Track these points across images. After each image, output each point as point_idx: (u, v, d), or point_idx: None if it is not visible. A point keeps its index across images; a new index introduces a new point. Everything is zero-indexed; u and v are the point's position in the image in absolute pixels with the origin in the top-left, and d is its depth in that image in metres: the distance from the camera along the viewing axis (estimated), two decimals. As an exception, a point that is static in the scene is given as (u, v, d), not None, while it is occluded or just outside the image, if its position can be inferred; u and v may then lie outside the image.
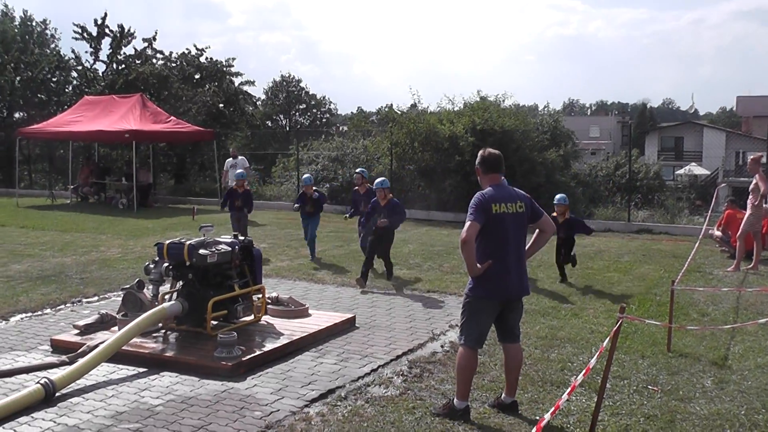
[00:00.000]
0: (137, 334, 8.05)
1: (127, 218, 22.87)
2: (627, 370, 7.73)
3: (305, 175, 16.53)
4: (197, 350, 8.14)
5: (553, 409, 5.31)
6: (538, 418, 6.25)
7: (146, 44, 38.45)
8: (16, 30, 42.63)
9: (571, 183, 24.60)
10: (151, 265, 9.33)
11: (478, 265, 6.22)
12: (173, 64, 38.58)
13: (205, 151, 33.47)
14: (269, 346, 8.37)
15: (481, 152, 6.66)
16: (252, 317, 9.27)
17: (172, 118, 28.82)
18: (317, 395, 6.99)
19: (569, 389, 5.51)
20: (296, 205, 15.47)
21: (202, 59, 38.47)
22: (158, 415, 6.48)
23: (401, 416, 6.42)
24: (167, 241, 9.05)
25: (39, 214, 24.65)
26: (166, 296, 9.05)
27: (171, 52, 39.07)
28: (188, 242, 8.78)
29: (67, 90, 41.67)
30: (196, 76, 38.49)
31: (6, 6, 43.68)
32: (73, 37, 39.03)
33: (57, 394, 6.86)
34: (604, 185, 30.62)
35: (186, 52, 38.71)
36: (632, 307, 10.71)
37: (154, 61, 38.43)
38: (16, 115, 42.56)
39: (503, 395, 6.65)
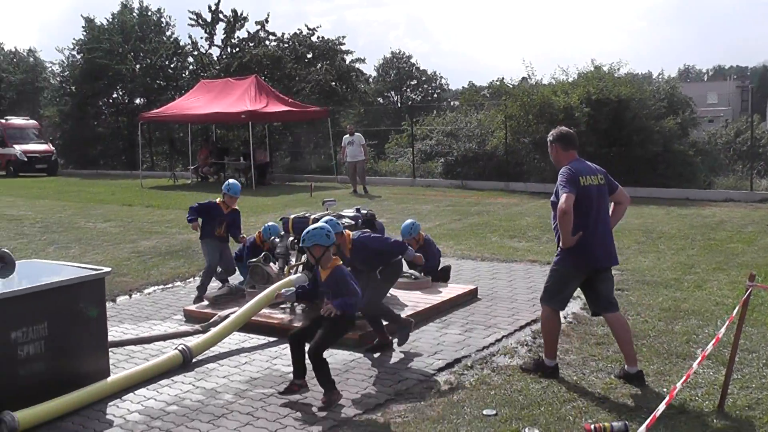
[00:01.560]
0: (266, 305, 8.28)
1: (246, 196, 23.32)
2: (755, 342, 7.46)
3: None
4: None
5: (684, 378, 5.20)
6: (665, 389, 6.14)
7: (259, 27, 39.19)
8: (134, 20, 44.10)
9: (690, 151, 23.78)
10: (277, 240, 9.58)
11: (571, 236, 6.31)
12: (285, 45, 39.14)
13: (319, 129, 33.88)
14: (394, 317, 8.47)
15: (556, 131, 6.79)
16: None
17: (287, 97, 29.33)
18: (444, 364, 7.05)
19: (698, 360, 5.38)
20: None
21: (314, 38, 38.89)
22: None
23: (528, 384, 6.41)
24: (292, 216, 9.26)
25: (162, 194, 25.54)
26: (292, 269, 9.25)
27: (283, 33, 39.72)
28: (313, 216, 8.94)
29: (184, 75, 42.94)
30: (308, 56, 38.93)
31: (125, -2, 45.20)
32: (188, 24, 40.14)
33: (193, 360, 7.15)
34: (724, 153, 29.49)
35: (297, 32, 39.23)
36: (759, 279, 10.34)
37: (267, 43, 39.10)
38: (137, 101, 44.18)
39: (626, 366, 6.55)
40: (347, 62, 39.15)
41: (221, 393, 6.34)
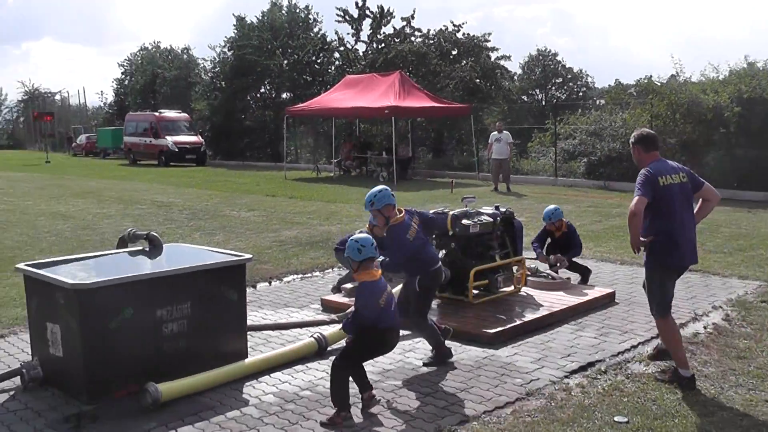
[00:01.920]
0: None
1: (387, 191, 23.57)
2: None
3: None
4: (459, 317, 8.25)
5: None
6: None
7: (405, 23, 39.45)
8: (283, 18, 45.25)
9: None
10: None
11: (642, 239, 6.35)
12: (431, 41, 39.20)
13: (462, 126, 33.79)
14: (529, 316, 8.33)
15: (637, 132, 6.85)
16: (512, 288, 9.23)
17: (430, 94, 29.39)
18: (577, 367, 6.87)
19: None
20: None
21: (459, 35, 38.72)
22: (421, 375, 6.69)
23: (662, 394, 6.15)
24: (431, 212, 9.23)
25: (305, 185, 26.10)
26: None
27: (428, 30, 39.76)
28: (451, 212, 8.89)
29: (330, 70, 43.73)
30: (453, 52, 38.82)
31: (275, -4, 46.47)
32: (335, 20, 40.88)
33: (328, 349, 7.24)
34: None
35: (443, 28, 39.16)
36: None
37: (413, 39, 39.27)
38: (284, 95, 45.33)
39: (680, 371, 6.41)
40: (492, 59, 38.78)
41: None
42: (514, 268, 9.44)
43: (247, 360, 6.74)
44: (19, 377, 6.50)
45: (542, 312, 8.45)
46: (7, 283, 10.06)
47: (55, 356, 6.30)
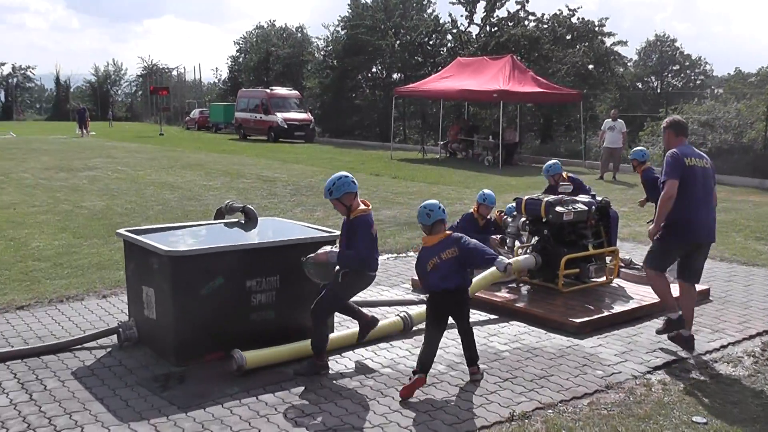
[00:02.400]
0: (492, 283, 8.31)
1: (492, 175, 23.50)
2: None
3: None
4: (546, 304, 8.20)
5: None
6: None
7: (519, 6, 38.89)
8: (398, -1, 45.33)
9: None
10: (509, 220, 9.56)
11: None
12: (544, 26, 38.56)
13: (571, 113, 33.20)
14: (617, 308, 8.19)
15: (670, 118, 7.49)
16: (603, 278, 9.09)
17: (540, 79, 28.99)
18: (661, 363, 6.72)
19: None
20: None
21: (574, 20, 37.91)
22: (504, 360, 6.69)
23: (746, 398, 5.96)
24: (525, 197, 9.18)
25: (410, 166, 26.19)
26: (520, 249, 9.17)
27: (543, 14, 39.13)
28: (546, 199, 8.82)
29: (441, 52, 43.61)
30: (567, 37, 38.07)
31: (390, -25, 46.55)
32: (449, 2, 40.63)
33: (414, 328, 7.32)
34: None
35: (558, 12, 38.43)
36: None
37: (526, 23, 38.75)
38: (394, 75, 45.47)
39: (683, 330, 7.19)
40: (607, 45, 37.81)
41: (435, 363, 6.43)
42: (608, 259, 9.30)
43: (332, 335, 6.87)
44: (116, 335, 6.86)
45: (632, 305, 8.30)
46: (113, 247, 10.55)
47: (149, 318, 6.60)
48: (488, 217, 9.69)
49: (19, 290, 8.70)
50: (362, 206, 6.48)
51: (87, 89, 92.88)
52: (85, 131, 45.40)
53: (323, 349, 6.35)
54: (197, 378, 6.06)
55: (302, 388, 5.94)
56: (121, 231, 7.00)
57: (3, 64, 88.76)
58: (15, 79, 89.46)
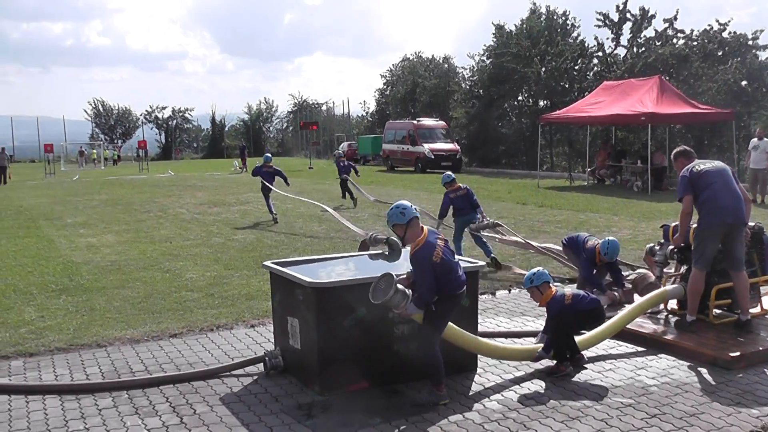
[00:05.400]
0: (639, 315, 8.07)
1: (641, 201, 22.84)
2: None
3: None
4: (697, 336, 7.84)
5: None
6: None
7: (667, 25, 37.73)
8: (542, 24, 45.07)
9: None
10: (656, 247, 9.28)
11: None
12: (694, 43, 37.17)
13: (724, 133, 31.85)
14: (777, 342, 7.74)
15: (679, 149, 8.52)
16: (758, 309, 8.57)
17: (690, 99, 28.04)
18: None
19: None
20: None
21: (725, 34, 36.27)
22: (651, 395, 6.43)
23: None
24: (673, 224, 8.89)
25: (557, 194, 25.81)
26: (670, 279, 8.86)
27: (692, 30, 37.59)
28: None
29: (588, 76, 42.91)
30: (718, 53, 36.50)
31: (534, 4, 46.44)
32: (595, 25, 39.96)
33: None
34: None
35: (708, 28, 36.86)
36: None
37: (674, 41, 37.57)
38: (540, 103, 45.10)
39: (740, 316, 7.92)
40: (760, 59, 35.89)
41: (580, 396, 6.29)
42: (762, 289, 8.84)
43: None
44: (262, 364, 7.10)
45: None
46: (262, 278, 10.89)
47: (294, 348, 6.77)
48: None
49: (173, 319, 9.14)
50: (421, 235, 6.19)
51: (241, 127, 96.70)
52: (244, 167, 47.40)
53: (442, 380, 6.26)
54: (340, 408, 6.16)
55: (445, 420, 5.92)
56: (268, 263, 7.24)
57: (164, 108, 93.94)
58: (174, 121, 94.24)
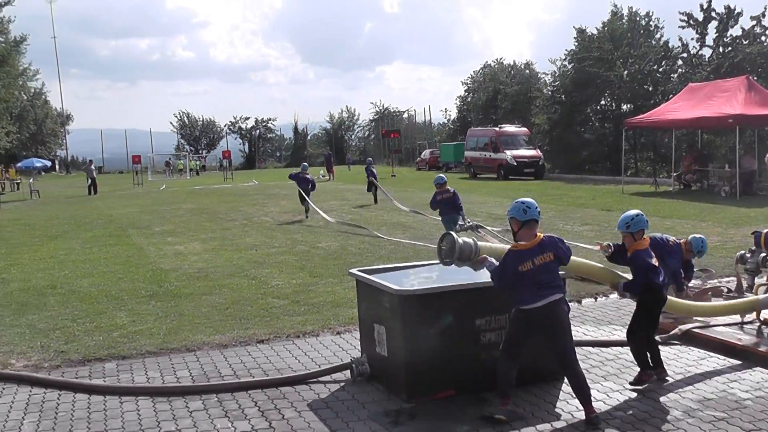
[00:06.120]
0: (727, 314, 8.03)
1: (729, 206, 22.24)
2: None
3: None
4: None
5: None
6: None
7: (754, 22, 36.75)
8: (624, 26, 44.41)
9: None
10: (748, 255, 9.04)
11: None
12: (784, 40, 36.11)
13: (820, 133, 30.82)
14: None
15: None
16: None
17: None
18: None
19: None
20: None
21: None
22: (745, 409, 6.23)
23: None
24: (765, 230, 8.66)
25: (642, 200, 25.33)
26: (761, 288, 8.61)
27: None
28: (766, 231, 8.29)
29: (672, 78, 42.07)
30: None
31: (615, 6, 45.81)
32: (679, 26, 39.18)
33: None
34: None
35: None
36: None
37: (762, 39, 36.52)
38: (623, 107, 44.40)
39: None
40: None
41: (671, 408, 6.17)
42: None
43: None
44: (349, 371, 7.18)
45: None
46: (347, 286, 10.99)
47: (381, 355, 6.81)
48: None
49: (260, 325, 9.30)
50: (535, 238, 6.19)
51: (323, 136, 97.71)
52: (330, 175, 47.95)
53: (509, 392, 6.15)
54: (427, 415, 6.16)
55: (532, 428, 5.88)
56: (354, 271, 7.31)
57: (247, 118, 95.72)
58: (258, 131, 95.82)
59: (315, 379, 7.14)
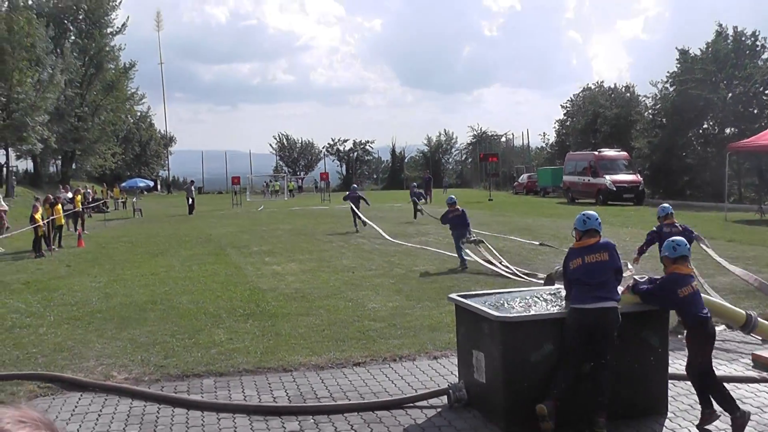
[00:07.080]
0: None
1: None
2: None
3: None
4: None
5: None
6: None
7: None
8: (729, 47, 43.24)
9: None
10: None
11: None
12: None
13: None
14: None
15: None
16: None
17: None
18: None
19: None
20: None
21: None
22: None
23: None
24: None
25: (746, 228, 24.52)
26: None
27: None
28: None
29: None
30: None
31: (720, 26, 44.59)
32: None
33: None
34: None
35: None
36: None
37: None
38: (727, 130, 43.18)
39: None
40: None
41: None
42: None
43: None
44: (446, 396, 7.10)
45: None
46: (444, 310, 10.92)
47: (479, 381, 6.72)
48: None
49: (356, 348, 9.30)
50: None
51: (420, 159, 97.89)
52: (428, 198, 47.99)
53: (561, 395, 6.21)
54: (525, 445, 6.05)
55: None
56: (453, 296, 7.26)
57: (345, 141, 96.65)
58: (355, 153, 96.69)
59: (411, 404, 7.10)
